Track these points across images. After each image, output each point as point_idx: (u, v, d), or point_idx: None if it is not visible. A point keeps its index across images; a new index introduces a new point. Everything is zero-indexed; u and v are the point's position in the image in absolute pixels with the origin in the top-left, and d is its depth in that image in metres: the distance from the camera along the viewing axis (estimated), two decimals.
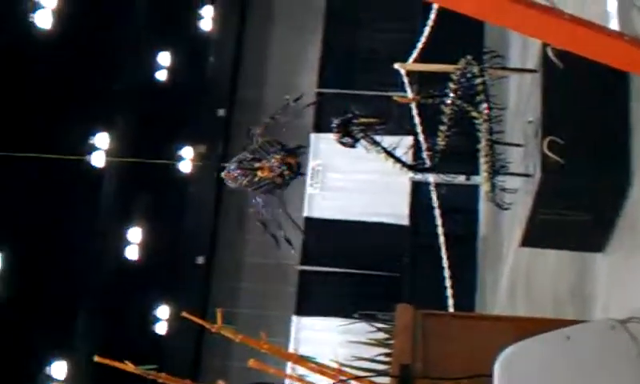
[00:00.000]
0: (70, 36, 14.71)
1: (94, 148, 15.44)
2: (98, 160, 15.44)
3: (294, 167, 10.61)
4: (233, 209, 17.80)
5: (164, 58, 17.43)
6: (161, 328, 16.86)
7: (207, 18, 18.61)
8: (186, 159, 17.31)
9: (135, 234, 16.40)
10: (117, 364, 6.35)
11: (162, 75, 17.45)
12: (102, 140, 15.53)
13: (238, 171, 10.99)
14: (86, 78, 15.21)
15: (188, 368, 16.63)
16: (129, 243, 16.34)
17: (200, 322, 6.69)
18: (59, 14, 14.45)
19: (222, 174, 11.66)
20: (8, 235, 13.95)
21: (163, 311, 16.84)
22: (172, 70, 17.50)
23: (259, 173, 11.13)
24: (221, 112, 18.23)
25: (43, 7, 14.26)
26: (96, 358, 6.54)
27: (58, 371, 14.61)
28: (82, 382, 14.89)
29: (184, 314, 6.90)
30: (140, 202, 16.81)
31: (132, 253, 16.37)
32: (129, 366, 6.27)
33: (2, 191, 13.60)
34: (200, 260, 17.28)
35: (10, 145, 13.59)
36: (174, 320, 16.54)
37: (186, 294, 16.39)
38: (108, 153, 15.63)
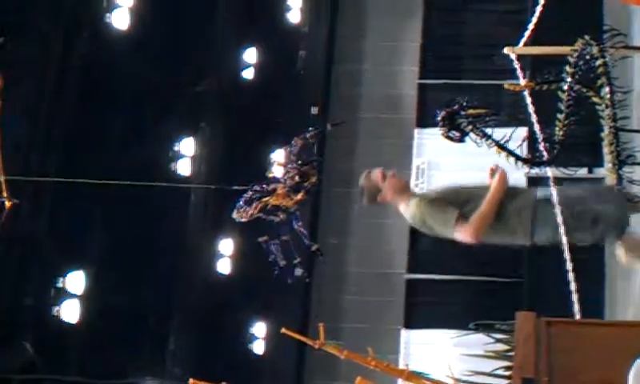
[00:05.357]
0: (148, 35, 14.90)
1: (179, 155, 15.59)
2: (184, 168, 15.59)
3: (309, 176, 11.38)
4: (333, 214, 17.88)
5: (250, 55, 17.52)
6: (258, 347, 16.94)
7: (295, 9, 18.61)
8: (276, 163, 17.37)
9: (227, 246, 16.47)
10: None
11: (249, 73, 17.55)
12: (187, 146, 15.69)
13: (250, 207, 11.75)
14: (166, 79, 15.41)
15: None
16: (220, 256, 16.43)
17: (301, 338, 6.77)
18: (137, 13, 14.64)
19: (233, 215, 12.47)
20: (93, 254, 14.21)
21: (260, 328, 16.92)
22: (260, 67, 17.58)
23: (272, 200, 11.93)
24: (314, 110, 18.28)
25: (120, 6, 14.46)
26: (190, 382, 6.67)
27: None
28: None
29: (283, 330, 6.98)
30: (230, 211, 16.91)
31: (224, 266, 16.44)
32: None
33: (84, 207, 13.87)
34: (298, 271, 17.30)
35: (86, 149, 13.88)
36: (273, 338, 16.62)
37: (284, 309, 16.45)
38: (194, 159, 15.79)
